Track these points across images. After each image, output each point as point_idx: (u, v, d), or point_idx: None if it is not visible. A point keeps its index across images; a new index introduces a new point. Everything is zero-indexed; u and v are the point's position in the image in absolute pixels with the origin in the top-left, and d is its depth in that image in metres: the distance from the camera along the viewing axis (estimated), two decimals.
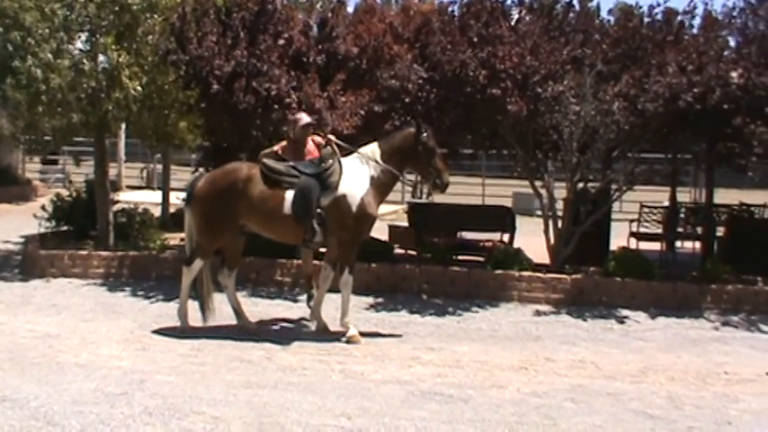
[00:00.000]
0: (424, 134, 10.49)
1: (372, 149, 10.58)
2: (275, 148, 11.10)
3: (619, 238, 15.60)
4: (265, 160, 10.53)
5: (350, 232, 10.35)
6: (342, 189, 10.27)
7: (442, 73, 12.58)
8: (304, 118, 11.22)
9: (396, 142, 10.61)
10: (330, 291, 10.51)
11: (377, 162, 10.44)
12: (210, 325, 10.58)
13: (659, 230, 16.41)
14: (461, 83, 12.43)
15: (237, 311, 10.77)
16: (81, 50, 13.89)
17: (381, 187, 10.55)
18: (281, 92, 12.74)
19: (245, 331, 10.48)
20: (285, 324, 11.08)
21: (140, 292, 12.65)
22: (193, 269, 10.47)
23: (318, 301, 10.70)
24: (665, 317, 11.98)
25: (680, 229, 16.64)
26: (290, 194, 10.19)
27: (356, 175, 10.38)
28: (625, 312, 12.12)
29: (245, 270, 13.08)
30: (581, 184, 13.32)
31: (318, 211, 10.17)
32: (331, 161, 10.38)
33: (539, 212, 15.08)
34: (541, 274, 12.80)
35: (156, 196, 22.03)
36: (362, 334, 10.29)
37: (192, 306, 10.70)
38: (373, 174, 10.45)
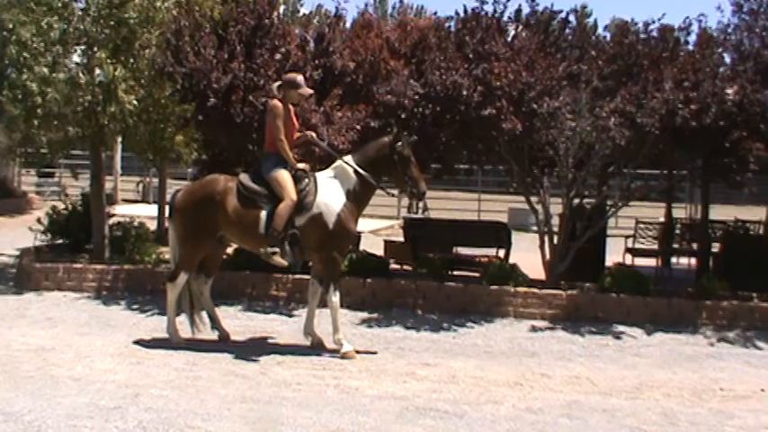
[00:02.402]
0: (399, 143, 10.44)
1: (347, 161, 10.52)
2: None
3: (614, 253, 15.61)
4: (242, 178, 10.45)
5: (329, 249, 10.30)
6: (317, 207, 10.22)
7: (436, 91, 12.59)
8: (306, 88, 10.72)
9: (370, 153, 10.54)
10: (326, 306, 10.47)
11: (350, 177, 10.39)
12: (205, 339, 10.58)
13: (655, 246, 16.43)
14: (455, 101, 12.44)
15: (213, 317, 10.86)
16: (77, 64, 13.90)
17: (358, 200, 10.48)
18: None
19: (220, 339, 10.68)
20: (280, 339, 11.04)
21: (135, 306, 12.63)
22: (178, 284, 10.49)
23: (310, 316, 10.68)
24: (660, 333, 11.97)
25: (675, 245, 16.69)
26: (263, 214, 10.15)
27: (331, 191, 10.32)
28: (621, 328, 12.11)
29: (241, 284, 13.11)
30: (577, 200, 13.34)
31: (293, 231, 10.17)
32: (306, 180, 10.28)
33: (534, 228, 15.08)
34: (537, 289, 12.79)
35: (152, 210, 22.02)
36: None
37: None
38: (349, 187, 10.40)
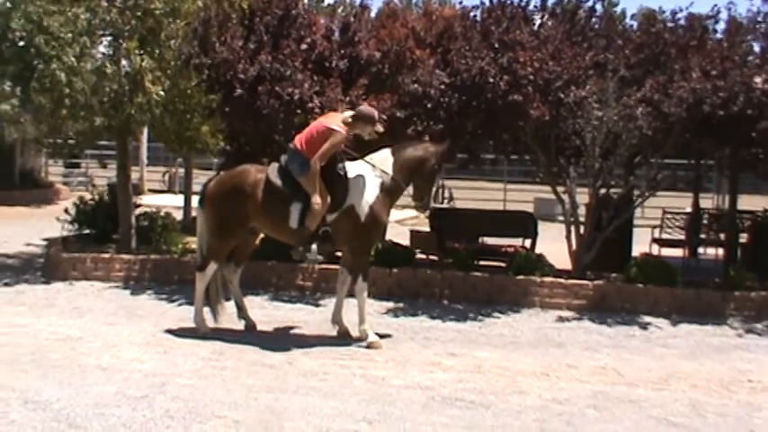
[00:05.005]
0: (442, 155, 10.57)
1: (384, 157, 10.47)
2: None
3: (641, 244, 15.53)
4: (270, 170, 10.41)
5: (360, 240, 10.33)
6: (350, 200, 10.20)
7: (462, 79, 12.55)
8: (379, 125, 10.47)
9: (418, 154, 10.46)
10: (352, 296, 10.48)
11: (385, 172, 10.36)
12: (232, 329, 10.61)
13: (682, 237, 16.33)
14: (481, 89, 12.39)
15: (240, 307, 10.89)
16: (104, 54, 13.94)
17: (391, 193, 10.48)
18: (304, 96, 12.76)
19: (247, 329, 10.71)
20: (306, 329, 11.06)
21: (162, 296, 12.70)
22: (207, 274, 10.51)
23: (338, 305, 10.69)
24: (687, 324, 11.91)
25: (703, 236, 16.57)
26: (294, 208, 10.12)
27: (365, 184, 10.29)
28: (647, 319, 12.07)
29: (267, 274, 13.15)
30: (603, 190, 13.26)
31: (325, 229, 10.19)
32: (339, 178, 10.20)
33: (561, 218, 15.02)
34: (563, 279, 12.76)
35: (178, 200, 22.14)
36: (380, 335, 10.32)
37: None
38: (384, 180, 10.37)
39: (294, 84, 12.84)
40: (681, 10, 13.53)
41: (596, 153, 12.39)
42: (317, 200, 9.93)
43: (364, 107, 10.80)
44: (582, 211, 13.52)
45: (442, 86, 12.64)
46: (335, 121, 10.23)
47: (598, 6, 14.22)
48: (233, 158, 14.88)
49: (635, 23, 15.27)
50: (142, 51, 13.30)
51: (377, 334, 10.29)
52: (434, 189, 10.74)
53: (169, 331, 10.56)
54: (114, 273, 13.61)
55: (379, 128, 10.49)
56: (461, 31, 13.73)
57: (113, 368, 8.84)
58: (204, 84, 13.33)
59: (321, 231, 10.15)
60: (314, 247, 10.21)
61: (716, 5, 13.53)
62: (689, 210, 17.50)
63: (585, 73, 12.68)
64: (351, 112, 10.50)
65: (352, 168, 10.37)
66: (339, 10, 17.76)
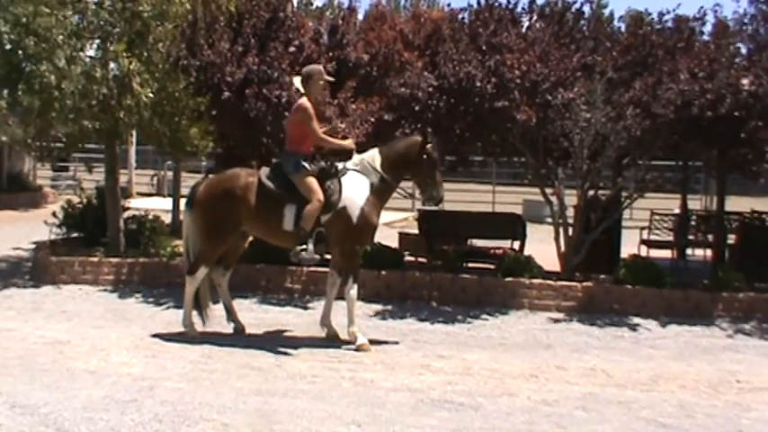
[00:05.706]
0: (429, 144, 10.42)
1: (373, 156, 10.48)
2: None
3: (629, 245, 15.55)
4: (263, 174, 10.39)
5: (351, 242, 10.30)
6: (342, 201, 10.18)
7: (449, 83, 12.56)
8: (324, 74, 10.67)
9: (399, 149, 10.53)
10: (341, 298, 10.47)
11: (376, 170, 10.37)
12: (220, 332, 10.60)
13: (670, 238, 16.37)
14: (468, 93, 12.40)
15: (229, 310, 10.86)
16: (92, 57, 13.89)
17: (381, 194, 10.46)
18: (292, 99, 12.74)
19: (236, 332, 10.68)
20: (295, 331, 11.05)
21: (151, 299, 12.66)
22: (197, 278, 10.48)
23: (327, 307, 10.68)
24: (676, 325, 11.93)
25: (691, 237, 16.61)
26: (288, 210, 10.10)
27: (356, 185, 10.28)
28: (636, 320, 12.08)
29: (256, 277, 13.12)
30: (591, 192, 13.29)
31: (319, 230, 10.17)
32: (331, 178, 10.22)
33: (549, 220, 15.04)
34: (552, 281, 12.76)
35: (167, 203, 22.09)
36: (370, 341, 10.28)
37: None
38: (373, 181, 10.38)
39: (282, 86, 12.83)
40: (668, 12, 13.58)
41: (584, 155, 12.41)
42: (319, 197, 9.96)
43: (309, 66, 10.87)
44: (570, 212, 13.53)
45: (430, 89, 12.64)
46: (295, 103, 10.44)
47: (586, 8, 14.27)
48: (222, 161, 14.89)
49: (623, 25, 15.27)
50: (130, 54, 13.26)
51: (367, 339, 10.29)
52: (440, 178, 10.53)
53: (158, 335, 10.53)
54: (103, 276, 13.56)
55: (328, 77, 10.69)
56: (449, 34, 13.74)
57: (102, 372, 8.82)
58: (192, 86, 13.30)
59: (316, 232, 10.14)
60: (310, 246, 10.17)
61: (702, 7, 13.59)
62: (677, 211, 17.54)
63: (573, 75, 12.69)
64: (297, 78, 10.57)
65: (344, 173, 10.36)
66: (327, 13, 17.78)
